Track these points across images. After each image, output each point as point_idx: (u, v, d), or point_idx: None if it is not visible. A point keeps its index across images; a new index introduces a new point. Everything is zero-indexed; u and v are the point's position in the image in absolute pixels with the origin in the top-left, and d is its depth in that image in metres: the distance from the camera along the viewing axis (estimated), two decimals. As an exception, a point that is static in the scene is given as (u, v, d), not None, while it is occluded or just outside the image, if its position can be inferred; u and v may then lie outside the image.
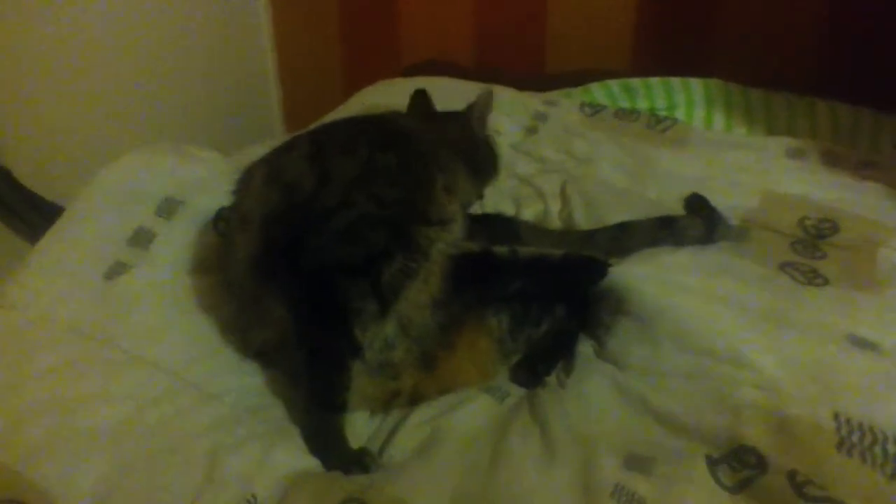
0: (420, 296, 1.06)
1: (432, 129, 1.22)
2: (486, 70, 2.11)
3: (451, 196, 1.11)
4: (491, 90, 1.33)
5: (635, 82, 1.89)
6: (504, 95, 1.80)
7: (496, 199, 1.46)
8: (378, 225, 1.02)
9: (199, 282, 1.20)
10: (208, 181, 1.30)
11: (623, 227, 1.31)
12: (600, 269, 1.14)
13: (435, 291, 1.07)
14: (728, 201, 1.40)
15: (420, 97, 1.38)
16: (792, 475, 0.88)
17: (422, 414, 1.07)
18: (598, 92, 1.90)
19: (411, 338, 1.06)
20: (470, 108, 1.31)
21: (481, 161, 1.29)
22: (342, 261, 1.01)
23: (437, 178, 1.10)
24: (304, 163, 1.08)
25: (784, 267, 1.21)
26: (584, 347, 1.18)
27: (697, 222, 1.33)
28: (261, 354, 1.14)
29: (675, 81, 1.87)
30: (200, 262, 1.22)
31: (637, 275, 1.16)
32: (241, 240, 1.09)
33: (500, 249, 1.12)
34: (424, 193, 1.07)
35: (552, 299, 1.18)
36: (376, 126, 1.18)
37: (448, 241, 1.09)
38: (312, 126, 1.33)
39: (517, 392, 1.12)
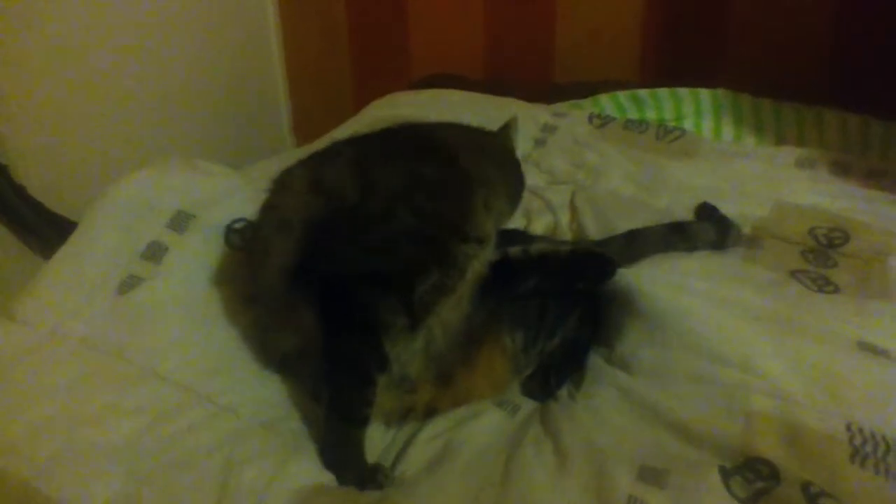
0: (452, 312, 1.06)
1: (475, 143, 1.21)
2: (494, 82, 2.11)
3: (488, 212, 1.10)
4: (516, 117, 1.32)
5: (644, 93, 1.90)
6: (513, 107, 1.80)
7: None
8: (418, 239, 1.02)
9: (212, 295, 1.21)
10: (219, 195, 1.30)
11: (634, 234, 1.31)
12: (608, 264, 1.14)
13: (466, 308, 1.07)
14: (738, 211, 1.40)
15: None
16: (806, 487, 0.88)
17: (434, 428, 1.07)
18: (606, 103, 1.91)
19: (432, 353, 1.06)
20: (505, 129, 1.29)
21: (517, 182, 1.25)
22: (378, 274, 1.00)
23: (478, 193, 1.09)
24: (348, 172, 1.07)
25: (795, 274, 1.21)
26: (594, 356, 1.17)
27: (709, 228, 1.33)
28: (283, 364, 1.13)
29: (684, 92, 1.87)
30: (213, 276, 1.23)
31: (647, 278, 1.16)
32: (277, 243, 1.08)
33: (514, 249, 1.12)
34: (464, 209, 1.06)
35: (564, 296, 1.17)
36: (420, 137, 1.17)
37: (482, 259, 1.08)
38: (320, 138, 1.33)
39: (528, 405, 1.12)
